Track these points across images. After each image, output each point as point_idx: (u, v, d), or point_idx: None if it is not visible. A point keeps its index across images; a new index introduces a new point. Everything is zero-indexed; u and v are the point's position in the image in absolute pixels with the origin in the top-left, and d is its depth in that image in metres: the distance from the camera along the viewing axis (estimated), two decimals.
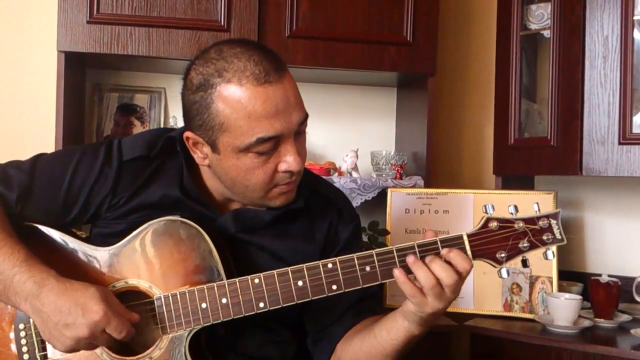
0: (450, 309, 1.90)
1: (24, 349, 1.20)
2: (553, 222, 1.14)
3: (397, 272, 1.09)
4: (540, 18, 2.08)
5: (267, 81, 1.12)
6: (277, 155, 1.17)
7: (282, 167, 1.17)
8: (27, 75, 2.25)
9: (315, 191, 1.33)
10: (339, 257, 1.14)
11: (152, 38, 1.98)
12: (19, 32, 2.25)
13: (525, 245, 1.13)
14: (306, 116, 1.19)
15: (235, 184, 1.20)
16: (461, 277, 1.10)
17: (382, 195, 2.12)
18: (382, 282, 1.13)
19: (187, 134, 1.21)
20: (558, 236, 1.14)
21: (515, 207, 1.14)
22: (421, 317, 1.12)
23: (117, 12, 1.96)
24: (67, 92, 2.00)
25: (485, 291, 1.94)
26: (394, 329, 1.16)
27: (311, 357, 1.32)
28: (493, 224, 1.13)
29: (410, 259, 1.09)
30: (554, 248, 1.16)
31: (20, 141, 2.22)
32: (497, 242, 1.13)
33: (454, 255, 1.09)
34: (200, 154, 1.22)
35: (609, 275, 1.90)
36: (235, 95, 1.12)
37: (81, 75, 2.23)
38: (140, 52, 1.98)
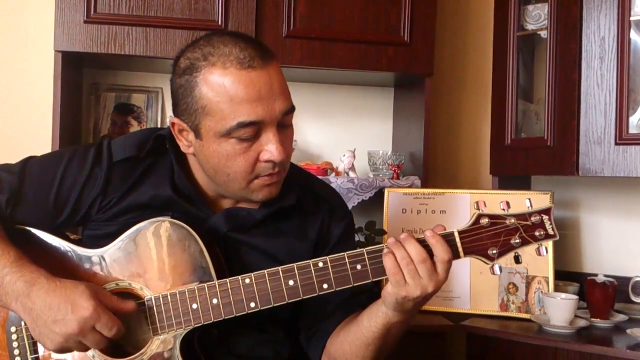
0: (446, 309, 1.94)
1: (16, 352, 1.20)
2: (545, 218, 1.14)
3: (386, 250, 1.11)
4: (538, 19, 2.09)
5: (251, 66, 1.13)
6: (260, 143, 1.16)
7: (265, 156, 1.16)
8: (24, 75, 2.26)
9: (307, 189, 1.33)
10: (330, 256, 1.14)
11: (150, 38, 1.98)
12: (16, 32, 2.25)
13: (517, 241, 1.13)
14: (292, 108, 1.19)
15: (217, 172, 1.20)
16: (435, 265, 1.10)
17: (379, 196, 2.12)
18: (374, 280, 1.14)
19: (174, 120, 1.21)
20: (550, 232, 1.14)
21: (508, 203, 1.14)
22: (397, 301, 1.12)
23: (115, 12, 1.96)
24: (64, 92, 2.00)
25: (481, 291, 1.94)
26: (374, 316, 1.17)
27: (305, 357, 1.33)
28: (484, 221, 1.13)
29: (391, 240, 1.11)
30: (548, 244, 1.15)
31: (17, 141, 2.22)
32: (488, 238, 1.13)
33: (435, 242, 1.10)
34: (186, 142, 1.22)
35: (605, 276, 1.90)
36: (219, 79, 1.13)
37: (78, 75, 2.23)
38: (138, 52, 1.98)
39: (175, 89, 1.20)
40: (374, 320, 1.17)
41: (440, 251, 1.10)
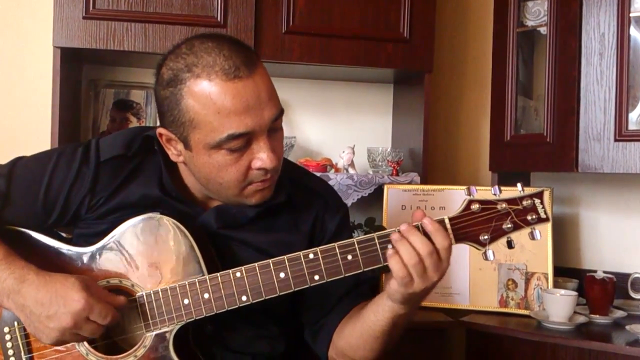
0: (446, 305, 1.94)
1: (10, 352, 1.20)
2: (537, 201, 1.12)
3: (390, 251, 1.09)
4: (537, 15, 2.08)
5: (237, 76, 1.11)
6: (250, 152, 1.15)
7: (256, 164, 1.16)
8: (23, 71, 2.25)
9: (298, 184, 1.32)
10: (320, 247, 1.13)
11: (149, 34, 1.98)
12: (14, 28, 2.25)
13: (509, 226, 1.11)
14: (281, 112, 1.18)
15: (209, 181, 1.19)
16: (439, 254, 1.08)
17: (378, 192, 2.12)
18: (364, 270, 1.13)
19: (160, 130, 1.20)
20: (543, 215, 1.12)
21: (499, 188, 1.12)
22: (403, 296, 1.11)
23: (113, 7, 1.96)
24: (63, 88, 1.99)
25: (480, 287, 1.94)
26: (380, 310, 1.16)
27: (301, 353, 1.32)
28: (475, 206, 1.12)
29: (394, 236, 1.09)
30: (540, 228, 1.13)
31: (16, 137, 2.21)
32: (479, 224, 1.11)
33: (433, 230, 1.09)
34: (174, 151, 1.21)
35: (604, 272, 1.90)
36: (205, 91, 1.11)
37: (77, 71, 2.23)
38: (137, 48, 1.98)
39: (160, 100, 1.17)
40: (380, 315, 1.16)
41: (440, 238, 1.08)
